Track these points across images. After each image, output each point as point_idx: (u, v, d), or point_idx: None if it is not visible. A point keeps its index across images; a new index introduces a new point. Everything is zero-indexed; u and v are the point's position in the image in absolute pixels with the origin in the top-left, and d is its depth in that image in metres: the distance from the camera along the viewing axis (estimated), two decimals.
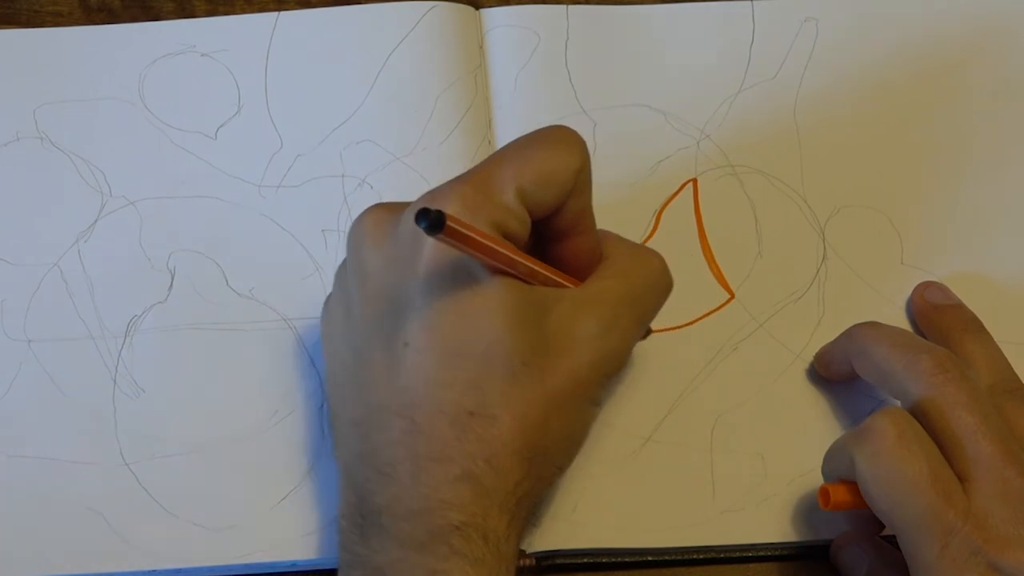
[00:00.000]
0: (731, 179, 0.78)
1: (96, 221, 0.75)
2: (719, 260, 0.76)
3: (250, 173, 0.77)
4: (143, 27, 0.80)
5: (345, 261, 0.67)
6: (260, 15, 0.80)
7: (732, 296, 0.75)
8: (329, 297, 0.69)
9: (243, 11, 0.81)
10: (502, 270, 0.62)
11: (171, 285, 0.74)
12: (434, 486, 0.61)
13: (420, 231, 0.58)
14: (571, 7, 0.81)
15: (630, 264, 0.67)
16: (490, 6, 0.81)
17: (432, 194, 0.63)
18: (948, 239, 0.77)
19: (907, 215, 0.77)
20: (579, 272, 0.67)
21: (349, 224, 0.74)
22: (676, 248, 0.75)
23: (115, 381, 0.72)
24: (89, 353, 0.73)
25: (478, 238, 0.60)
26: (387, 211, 0.65)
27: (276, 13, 0.80)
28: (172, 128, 0.78)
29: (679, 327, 0.74)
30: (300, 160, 0.77)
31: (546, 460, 0.64)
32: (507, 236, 0.63)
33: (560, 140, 0.65)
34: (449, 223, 0.58)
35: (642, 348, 0.73)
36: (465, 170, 0.65)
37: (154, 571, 0.69)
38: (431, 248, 0.62)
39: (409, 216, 0.62)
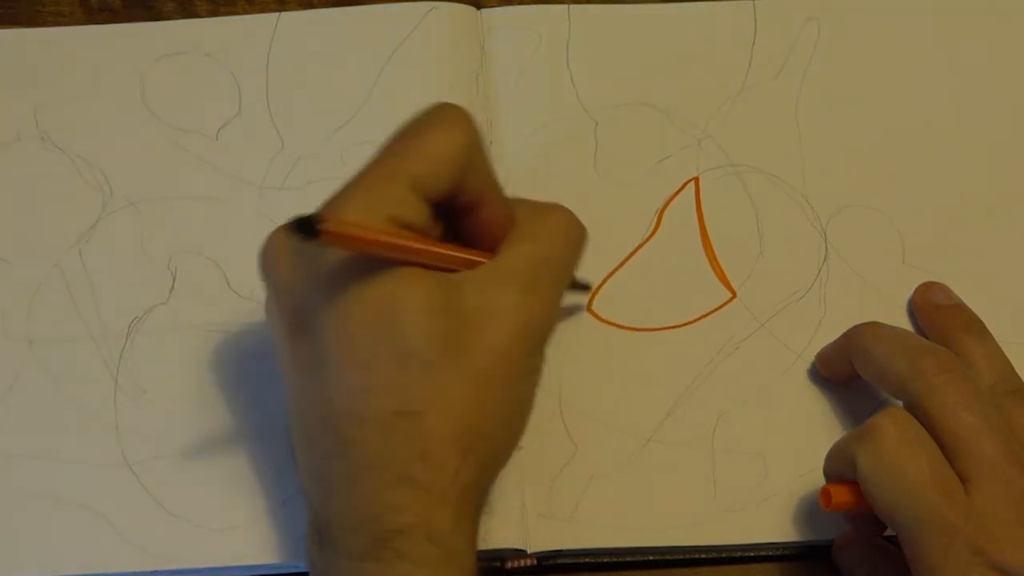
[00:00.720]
0: (733, 178, 0.78)
1: (97, 222, 0.75)
2: (720, 259, 0.76)
3: (251, 174, 0.77)
4: (144, 27, 0.80)
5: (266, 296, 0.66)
6: (261, 16, 0.80)
7: (734, 295, 0.75)
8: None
9: (245, 11, 0.81)
10: (406, 261, 0.61)
11: (172, 286, 0.74)
12: (370, 494, 0.60)
13: (314, 243, 0.57)
14: (572, 7, 0.81)
15: (536, 224, 0.66)
16: (491, 6, 0.80)
17: (326, 203, 0.62)
18: (949, 239, 0.77)
19: (908, 215, 0.77)
20: (494, 241, 0.65)
21: None
22: (678, 247, 0.76)
23: (116, 382, 0.72)
24: (90, 354, 0.73)
25: (362, 231, 0.59)
26: (286, 229, 0.62)
27: (277, 14, 0.80)
28: (173, 129, 0.78)
29: (680, 326, 0.74)
30: (301, 161, 0.77)
31: (487, 443, 0.63)
32: (407, 227, 0.61)
33: (443, 120, 0.63)
34: (323, 226, 0.56)
35: (644, 346, 0.73)
36: None
37: (154, 571, 0.69)
38: (331, 254, 0.61)
39: None
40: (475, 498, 0.63)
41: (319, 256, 0.61)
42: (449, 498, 0.61)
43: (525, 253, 0.64)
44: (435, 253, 0.62)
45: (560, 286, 0.66)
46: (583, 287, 0.74)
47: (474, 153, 0.63)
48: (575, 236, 0.67)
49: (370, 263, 0.61)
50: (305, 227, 0.56)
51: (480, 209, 0.65)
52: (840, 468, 0.65)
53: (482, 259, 0.64)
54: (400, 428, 0.60)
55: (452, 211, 0.65)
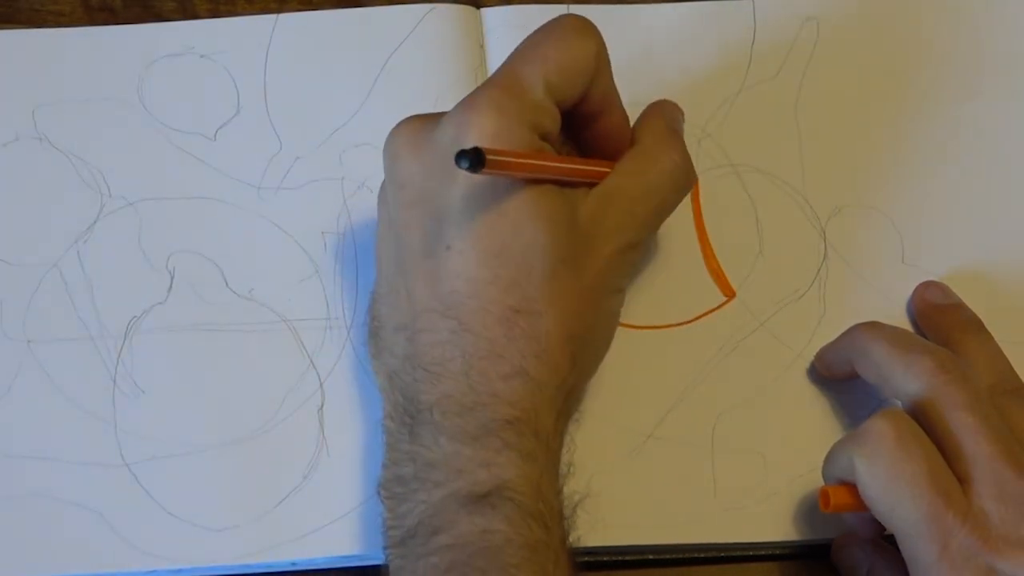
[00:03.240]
0: (732, 178, 0.78)
1: (95, 222, 0.75)
2: (720, 259, 0.76)
3: (249, 175, 0.77)
4: (142, 28, 0.80)
5: (384, 179, 0.68)
6: (259, 17, 0.80)
7: (733, 295, 0.75)
8: (377, 218, 0.70)
9: (244, 11, 0.81)
10: (544, 180, 0.65)
11: (170, 286, 0.74)
12: (486, 382, 0.63)
13: (457, 141, 0.62)
14: (572, 7, 0.81)
15: (650, 157, 0.69)
16: (491, 6, 0.80)
17: (466, 105, 0.65)
18: (949, 239, 0.77)
19: (908, 214, 0.77)
20: (611, 151, 0.69)
21: (349, 227, 0.75)
22: (677, 246, 0.76)
23: (115, 382, 0.72)
24: (88, 354, 0.73)
25: (518, 161, 0.63)
26: (420, 122, 0.66)
27: (276, 15, 0.80)
28: (171, 129, 0.78)
29: (680, 325, 0.74)
30: (299, 162, 0.77)
31: (587, 351, 0.67)
32: (542, 135, 0.65)
33: (573, 28, 0.67)
34: (489, 158, 0.60)
35: (644, 346, 0.73)
36: None
37: (154, 571, 0.69)
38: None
39: (447, 125, 0.64)
40: (573, 403, 0.67)
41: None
42: (556, 399, 0.64)
43: (631, 185, 0.68)
44: (570, 169, 0.66)
45: (656, 221, 0.70)
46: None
47: (602, 62, 0.67)
48: (681, 182, 0.70)
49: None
50: (474, 159, 0.60)
51: (601, 118, 0.69)
52: (839, 470, 0.65)
53: (605, 168, 0.68)
54: (520, 324, 0.64)
55: (575, 120, 0.68)
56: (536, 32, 0.67)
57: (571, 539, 0.64)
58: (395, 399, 0.66)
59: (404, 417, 0.64)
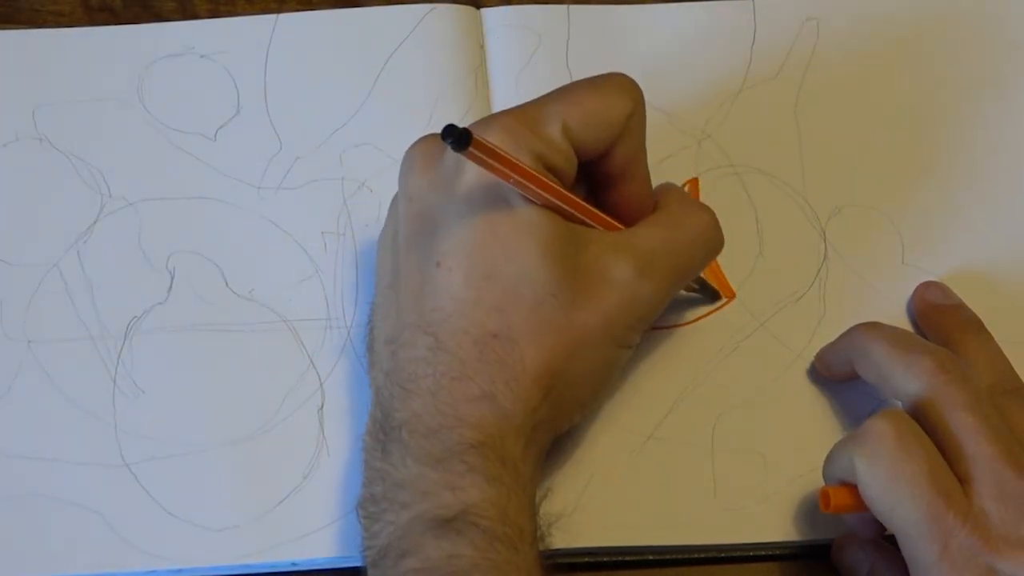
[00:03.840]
0: (732, 178, 0.78)
1: (95, 222, 0.75)
2: (720, 259, 0.75)
3: (249, 175, 0.77)
4: (142, 28, 0.80)
5: (397, 192, 0.68)
6: (259, 17, 0.80)
7: (733, 295, 0.75)
8: (383, 227, 0.70)
9: (244, 11, 0.81)
10: (542, 201, 0.64)
11: (171, 286, 0.74)
12: (452, 403, 0.63)
13: (462, 156, 0.60)
14: (572, 7, 0.81)
15: (678, 215, 0.68)
16: (491, 6, 0.80)
17: (477, 125, 0.64)
18: (948, 239, 0.76)
19: (908, 215, 0.77)
20: (629, 221, 0.68)
21: (349, 227, 0.75)
22: None
23: (115, 382, 0.72)
24: (88, 354, 0.73)
25: (510, 158, 0.62)
26: (436, 139, 0.66)
27: (275, 15, 0.80)
28: (171, 129, 0.78)
29: (680, 325, 0.74)
30: (299, 162, 0.77)
31: (568, 392, 0.65)
32: (551, 169, 0.64)
33: (612, 83, 0.67)
34: (476, 139, 0.59)
35: (644, 346, 0.73)
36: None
37: (154, 571, 0.69)
38: (471, 172, 0.63)
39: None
40: (545, 435, 0.66)
41: (460, 172, 0.63)
42: (524, 429, 0.63)
43: (655, 236, 0.67)
44: (572, 200, 0.65)
45: (678, 281, 0.69)
46: (710, 293, 0.75)
47: (634, 125, 0.66)
48: (710, 240, 0.69)
49: (509, 193, 0.63)
50: (457, 136, 0.59)
51: (623, 184, 0.68)
52: (839, 470, 0.65)
53: (615, 226, 0.67)
54: (495, 349, 0.63)
55: (596, 178, 0.67)
56: (582, 79, 0.67)
57: (547, 559, 0.64)
58: (375, 414, 0.66)
59: (379, 433, 0.64)
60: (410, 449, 0.62)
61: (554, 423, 0.66)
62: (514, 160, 0.62)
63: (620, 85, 0.66)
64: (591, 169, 0.67)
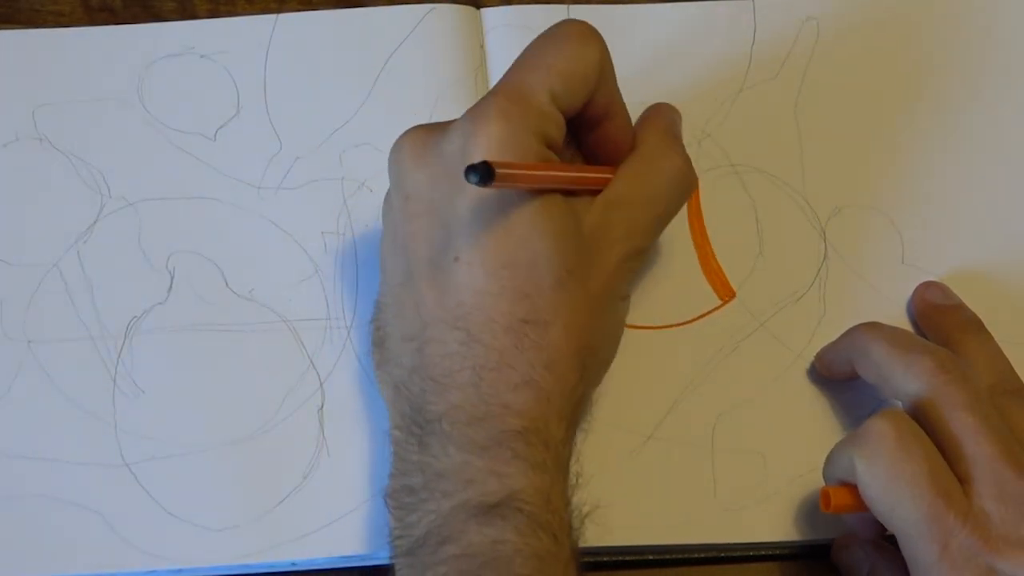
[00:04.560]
0: (732, 178, 0.78)
1: (95, 222, 0.75)
2: (720, 259, 0.76)
3: (249, 175, 0.77)
4: (142, 28, 0.80)
5: (389, 189, 0.68)
6: (259, 17, 0.80)
7: (733, 295, 0.75)
8: (382, 227, 0.70)
9: (244, 11, 0.81)
10: (551, 190, 0.65)
11: (170, 286, 0.74)
12: (495, 393, 0.63)
13: (465, 152, 0.62)
14: (572, 7, 0.81)
15: (651, 163, 0.69)
16: (491, 6, 0.80)
17: (472, 115, 0.65)
18: (948, 239, 0.77)
19: (908, 215, 0.77)
20: (615, 155, 0.69)
21: (349, 227, 0.74)
22: (677, 246, 0.76)
23: (115, 382, 0.72)
24: (88, 354, 0.73)
25: (526, 174, 0.63)
26: (426, 132, 0.67)
27: (275, 15, 0.80)
28: (171, 129, 0.78)
29: (680, 325, 0.74)
30: (299, 162, 0.77)
31: (595, 360, 0.67)
32: (548, 143, 0.65)
33: (577, 34, 0.67)
34: (498, 171, 0.60)
35: (644, 346, 0.73)
36: None
37: (154, 571, 0.69)
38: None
39: (453, 135, 0.65)
40: (581, 412, 0.67)
41: (463, 167, 0.63)
42: (565, 409, 0.64)
43: (634, 192, 0.68)
44: (576, 178, 0.67)
45: (659, 227, 0.70)
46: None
47: (605, 69, 0.67)
48: (684, 186, 0.70)
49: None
50: (483, 174, 0.60)
51: (604, 123, 0.69)
52: (839, 470, 0.65)
53: (608, 175, 0.68)
54: (528, 335, 0.64)
55: (577, 124, 0.68)
56: (538, 39, 0.67)
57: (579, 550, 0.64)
58: (402, 409, 0.66)
59: (412, 427, 0.64)
60: (452, 439, 0.63)
61: (586, 396, 0.68)
62: (533, 174, 0.64)
63: (582, 35, 0.67)
64: (573, 118, 0.68)
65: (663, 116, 0.72)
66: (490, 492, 0.61)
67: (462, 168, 0.62)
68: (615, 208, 0.67)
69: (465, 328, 0.64)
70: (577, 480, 0.67)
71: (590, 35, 0.67)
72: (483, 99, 0.66)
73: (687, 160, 0.70)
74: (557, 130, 0.66)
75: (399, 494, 0.64)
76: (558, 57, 0.66)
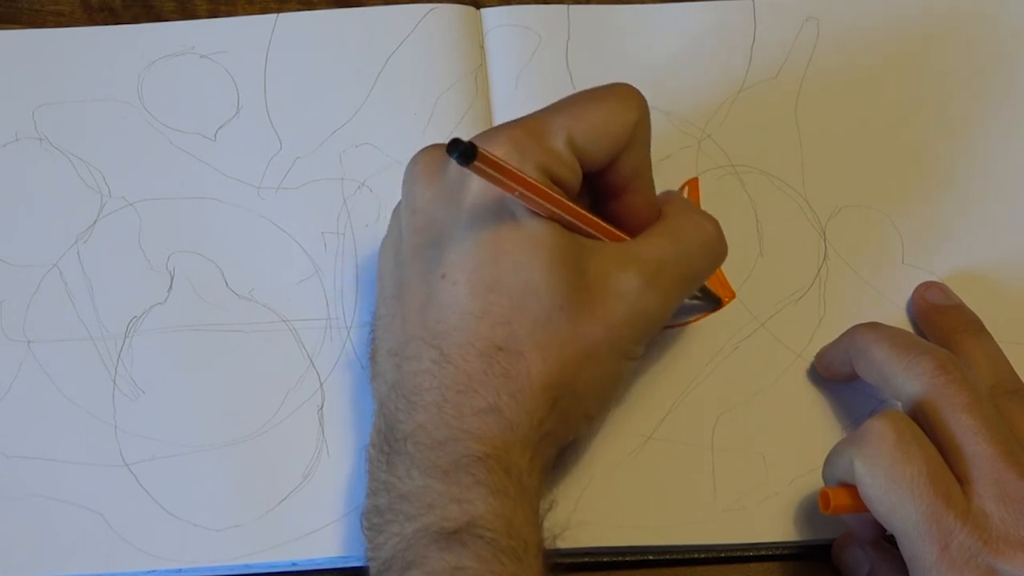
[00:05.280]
0: (732, 178, 0.78)
1: (95, 222, 0.75)
2: None
3: (249, 175, 0.77)
4: (142, 28, 0.80)
5: (400, 202, 0.68)
6: (259, 17, 0.80)
7: (733, 295, 0.75)
8: (385, 236, 0.70)
9: (244, 11, 0.81)
10: (547, 214, 0.64)
11: (170, 286, 0.74)
12: (458, 416, 0.63)
13: (468, 172, 0.61)
14: (572, 7, 0.81)
15: (682, 225, 0.68)
16: (491, 6, 0.80)
17: (482, 137, 0.64)
18: (948, 239, 0.77)
19: (908, 215, 0.77)
20: (634, 231, 0.68)
21: (349, 227, 0.74)
22: None
23: (114, 382, 0.72)
24: (88, 354, 0.73)
25: (515, 171, 0.62)
26: (440, 150, 0.66)
27: (275, 15, 0.80)
28: (171, 129, 0.78)
29: (680, 325, 0.74)
30: (299, 162, 0.77)
31: (574, 404, 0.65)
32: (556, 182, 0.64)
33: (617, 94, 0.66)
34: (481, 153, 0.59)
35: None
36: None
37: (154, 571, 0.69)
38: (477, 185, 0.63)
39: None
40: (551, 447, 0.65)
41: (465, 184, 0.63)
42: (530, 441, 0.63)
43: (660, 247, 0.67)
44: (577, 212, 0.65)
45: (683, 291, 0.69)
46: (712, 299, 0.75)
47: (639, 136, 0.66)
48: (714, 250, 0.69)
49: (515, 206, 0.63)
50: (463, 150, 0.59)
51: (627, 195, 0.68)
52: (839, 471, 0.65)
53: (620, 238, 0.67)
54: (500, 362, 0.63)
55: (600, 188, 0.67)
56: (585, 90, 0.67)
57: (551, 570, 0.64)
58: (379, 426, 0.66)
59: (383, 445, 0.64)
60: (416, 461, 0.62)
61: (560, 435, 0.66)
62: (520, 173, 0.62)
63: (625, 96, 0.66)
64: (595, 179, 0.67)
65: (684, 197, 0.72)
66: (451, 518, 0.61)
67: (462, 186, 0.62)
68: (635, 262, 0.66)
69: (439, 347, 0.64)
70: (552, 507, 0.67)
71: (633, 99, 0.66)
72: (499, 125, 0.66)
73: (719, 228, 0.69)
74: (569, 173, 0.65)
75: (370, 514, 0.64)
76: (590, 107, 0.65)
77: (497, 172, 0.61)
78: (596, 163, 0.66)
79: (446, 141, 0.60)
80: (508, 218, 0.64)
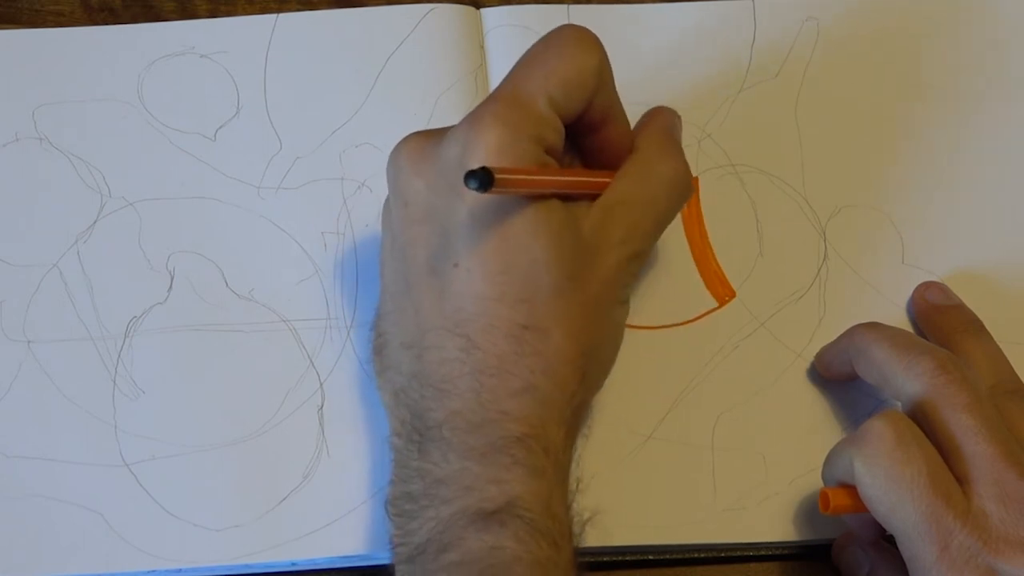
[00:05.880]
0: (732, 178, 0.78)
1: (95, 222, 0.75)
2: (720, 259, 0.76)
3: (249, 175, 0.77)
4: (142, 28, 0.80)
5: (388, 196, 0.68)
6: (259, 17, 0.80)
7: (733, 295, 0.75)
8: (381, 234, 0.70)
9: (244, 11, 0.81)
10: (549, 193, 0.65)
11: (170, 286, 0.74)
12: (495, 399, 0.63)
13: (464, 158, 0.62)
14: (572, 7, 0.81)
15: (649, 166, 0.69)
16: (491, 6, 0.80)
17: (471, 121, 0.64)
18: (948, 239, 0.76)
19: (908, 215, 0.77)
20: (613, 160, 0.69)
21: (349, 227, 0.74)
22: (677, 246, 0.76)
23: (114, 382, 0.72)
24: (88, 354, 0.73)
25: (525, 179, 0.63)
26: (425, 138, 0.66)
27: (275, 15, 0.80)
28: (171, 129, 0.78)
29: (680, 325, 0.74)
30: (299, 162, 0.77)
31: (595, 365, 0.67)
32: (547, 148, 0.65)
33: (575, 40, 0.67)
34: (498, 177, 0.60)
35: (644, 346, 0.73)
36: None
37: (154, 571, 0.69)
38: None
39: (452, 141, 0.64)
40: (581, 420, 0.67)
41: (462, 174, 0.63)
42: (565, 414, 0.64)
43: (633, 194, 0.68)
44: (575, 183, 0.66)
45: (657, 230, 0.70)
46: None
47: (604, 75, 0.67)
48: (680, 189, 0.70)
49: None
50: (483, 180, 0.60)
51: (603, 128, 0.68)
52: (838, 472, 0.65)
53: (606, 179, 0.68)
54: (528, 341, 0.64)
55: (576, 129, 0.68)
56: (537, 44, 0.67)
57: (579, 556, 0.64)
58: (402, 416, 0.66)
59: (412, 434, 0.64)
60: (452, 445, 0.63)
61: (586, 404, 0.67)
62: (533, 179, 0.63)
63: (581, 40, 0.67)
64: (572, 123, 0.67)
65: (662, 120, 0.71)
66: (489, 499, 0.61)
67: (460, 174, 0.62)
68: (613, 211, 0.67)
69: (465, 334, 0.64)
70: (578, 486, 0.67)
71: (589, 40, 0.67)
72: (481, 105, 0.65)
73: (685, 164, 0.70)
74: (556, 135, 0.65)
75: (399, 501, 0.64)
76: (557, 63, 0.66)
77: (512, 187, 0.62)
78: (574, 113, 0.66)
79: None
80: (511, 201, 0.64)
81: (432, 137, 0.66)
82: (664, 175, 0.69)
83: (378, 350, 0.69)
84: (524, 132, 0.64)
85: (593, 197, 0.67)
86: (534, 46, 0.67)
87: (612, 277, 0.67)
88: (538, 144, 0.64)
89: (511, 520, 0.61)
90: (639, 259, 0.68)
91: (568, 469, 0.65)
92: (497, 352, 0.64)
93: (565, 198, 0.66)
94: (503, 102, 0.65)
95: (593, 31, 0.67)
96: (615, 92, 0.68)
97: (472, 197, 0.63)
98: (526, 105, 0.65)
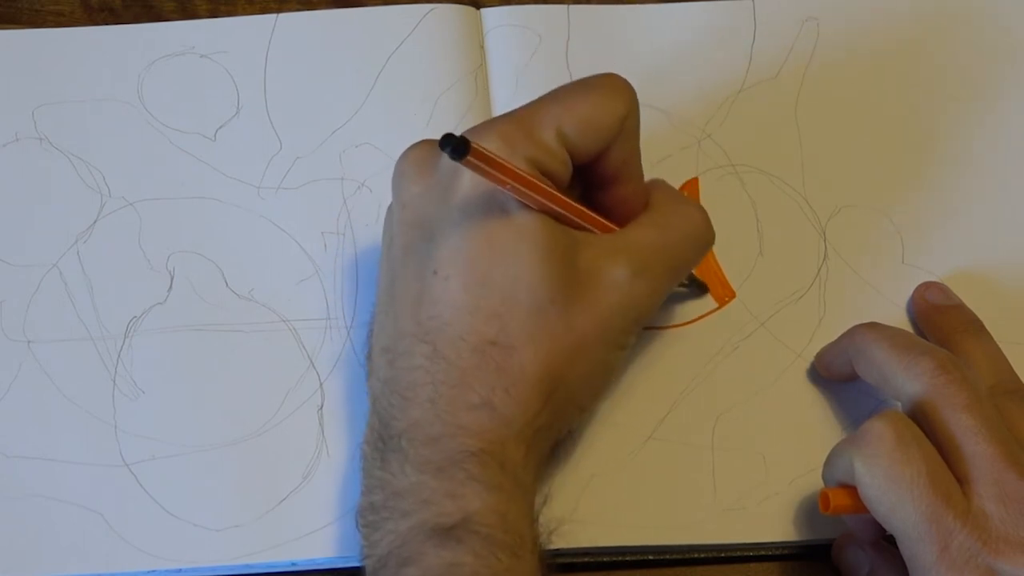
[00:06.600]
0: (732, 178, 0.78)
1: (95, 222, 0.75)
2: (720, 259, 0.76)
3: (249, 175, 0.77)
4: (142, 28, 0.80)
5: (391, 200, 0.68)
6: (259, 17, 0.80)
7: (733, 296, 0.75)
8: (382, 234, 0.70)
9: (244, 11, 0.81)
10: (538, 206, 0.64)
11: (170, 286, 0.74)
12: (452, 412, 0.62)
13: (459, 166, 0.60)
14: (572, 7, 0.81)
15: (670, 214, 0.68)
16: (491, 6, 0.80)
17: (472, 131, 0.64)
18: (948, 239, 0.76)
19: (908, 215, 0.77)
20: (623, 220, 0.68)
21: (349, 227, 0.74)
22: None
23: (114, 382, 0.72)
24: (88, 354, 0.73)
25: (506, 164, 0.62)
26: (430, 146, 0.66)
27: (275, 15, 0.80)
28: (171, 129, 0.78)
29: (680, 325, 0.74)
30: (299, 162, 0.77)
31: (567, 397, 0.65)
32: (546, 174, 0.64)
33: (606, 86, 0.66)
34: (474, 147, 0.59)
35: (644, 346, 0.73)
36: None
37: (154, 571, 0.69)
38: (467, 179, 0.63)
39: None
40: (546, 441, 0.65)
41: (456, 180, 0.63)
42: (524, 435, 0.63)
43: (648, 237, 0.67)
44: (568, 204, 0.65)
45: (672, 280, 0.69)
46: (699, 286, 0.75)
47: (628, 127, 0.66)
48: (701, 238, 0.69)
49: (505, 200, 0.63)
50: (455, 145, 0.59)
51: (617, 185, 0.67)
52: (838, 472, 0.65)
53: (610, 228, 0.67)
54: (493, 356, 0.63)
55: (590, 179, 0.67)
56: (574, 81, 0.67)
57: (548, 563, 0.64)
58: (372, 423, 0.65)
59: (378, 443, 0.64)
60: (410, 457, 0.62)
61: (554, 428, 0.66)
62: (510, 166, 0.62)
63: (614, 87, 0.66)
64: (586, 170, 0.67)
65: (670, 185, 0.71)
66: (446, 514, 0.61)
67: (454, 180, 0.62)
68: (624, 252, 0.66)
69: (432, 343, 0.64)
70: (546, 501, 0.67)
71: (621, 88, 0.66)
72: (490, 120, 0.65)
73: (706, 216, 0.69)
74: (559, 165, 0.65)
75: (365, 511, 0.64)
76: (579, 100, 0.65)
77: (489, 166, 0.61)
78: (586, 155, 0.66)
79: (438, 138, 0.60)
80: (499, 212, 0.63)
81: (436, 145, 0.66)
82: (686, 225, 0.68)
83: (368, 354, 0.69)
84: (522, 151, 0.63)
85: (602, 231, 0.67)
86: (570, 82, 0.67)
87: (610, 317, 0.65)
88: (533, 165, 0.63)
89: (468, 536, 0.60)
90: (644, 306, 0.67)
91: (530, 485, 0.64)
92: (461, 365, 0.63)
93: (560, 220, 0.65)
94: (510, 121, 0.65)
95: (630, 85, 0.66)
96: (637, 149, 0.67)
97: (460, 205, 0.63)
98: (531, 129, 0.64)
